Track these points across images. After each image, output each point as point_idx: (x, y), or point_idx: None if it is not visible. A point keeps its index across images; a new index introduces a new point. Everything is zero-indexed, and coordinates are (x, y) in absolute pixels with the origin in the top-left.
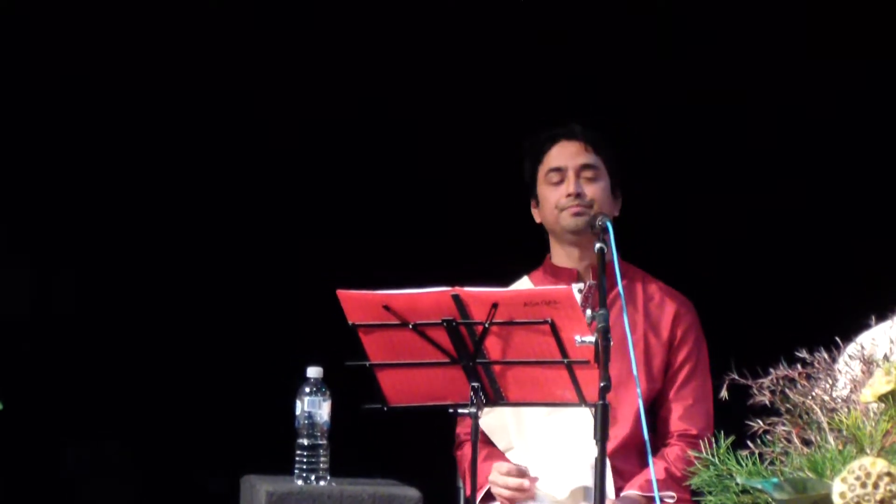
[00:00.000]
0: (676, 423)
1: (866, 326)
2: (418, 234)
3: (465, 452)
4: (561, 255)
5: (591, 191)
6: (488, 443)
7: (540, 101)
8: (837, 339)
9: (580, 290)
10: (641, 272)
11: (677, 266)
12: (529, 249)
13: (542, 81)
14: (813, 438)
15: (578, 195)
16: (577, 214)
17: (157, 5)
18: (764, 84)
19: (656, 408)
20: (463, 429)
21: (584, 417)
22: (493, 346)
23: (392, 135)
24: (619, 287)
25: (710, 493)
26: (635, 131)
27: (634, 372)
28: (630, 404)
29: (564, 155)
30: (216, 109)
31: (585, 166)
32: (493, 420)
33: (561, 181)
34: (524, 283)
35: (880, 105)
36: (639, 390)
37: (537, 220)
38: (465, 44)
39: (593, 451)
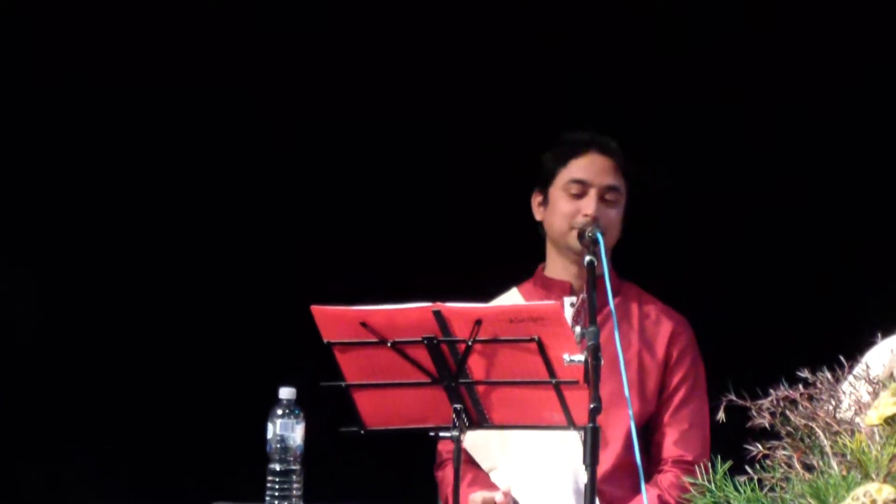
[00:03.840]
0: (671, 448)
1: (872, 344)
2: (401, 247)
3: (447, 473)
4: (557, 265)
5: (608, 216)
6: (473, 465)
7: (540, 102)
8: (841, 357)
9: (573, 304)
10: (637, 288)
11: (674, 277)
12: (520, 260)
13: (542, 82)
14: (815, 463)
15: (595, 220)
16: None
17: (157, 5)
18: (764, 84)
19: (650, 432)
20: (445, 446)
21: (572, 437)
22: (476, 366)
23: (380, 141)
24: (610, 303)
25: None
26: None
27: (626, 393)
28: (621, 426)
29: (593, 169)
30: (216, 109)
31: (610, 188)
32: (477, 438)
33: (580, 195)
34: (513, 296)
35: (880, 105)
36: (630, 412)
37: (538, 217)
38: (465, 44)
39: (581, 473)
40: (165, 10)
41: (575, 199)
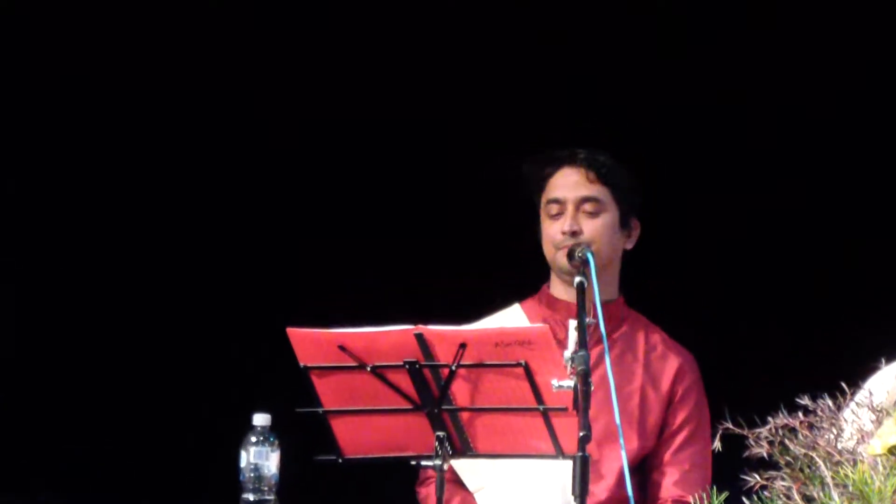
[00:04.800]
0: (670, 488)
1: (875, 370)
2: (387, 261)
3: (431, 492)
4: (559, 288)
5: (591, 227)
6: (459, 485)
7: (540, 102)
8: (843, 384)
9: (576, 328)
10: (644, 319)
11: (673, 277)
12: (525, 274)
13: (542, 82)
14: (816, 495)
15: (574, 233)
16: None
17: (157, 5)
18: (764, 84)
19: (648, 469)
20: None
21: (563, 464)
22: (460, 391)
23: (377, 144)
24: (601, 328)
25: None
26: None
27: (618, 422)
28: (616, 460)
29: (565, 185)
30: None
31: (586, 199)
32: (461, 463)
33: (559, 214)
34: (515, 313)
35: (880, 105)
36: (622, 444)
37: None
38: (465, 44)
39: (572, 501)
40: (165, 10)
41: (555, 220)
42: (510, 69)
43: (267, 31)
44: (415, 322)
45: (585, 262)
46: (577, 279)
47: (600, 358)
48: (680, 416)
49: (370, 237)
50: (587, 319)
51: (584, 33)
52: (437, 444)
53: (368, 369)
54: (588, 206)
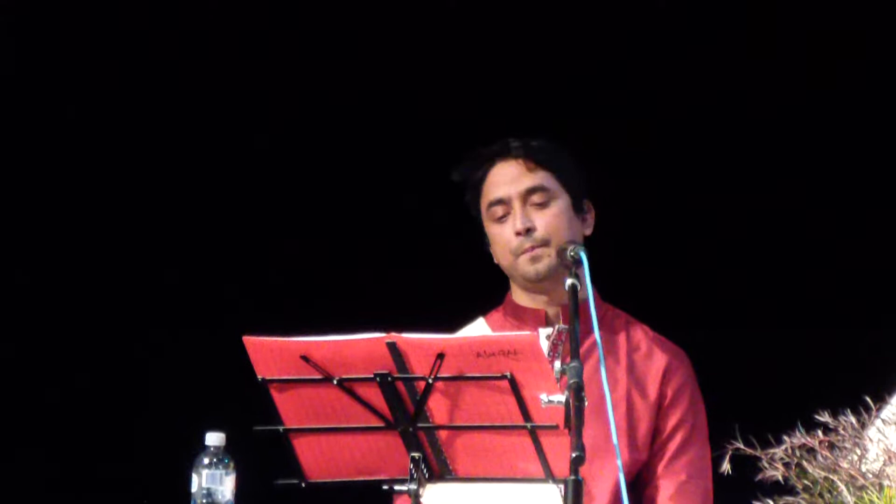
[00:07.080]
0: (666, 503)
1: None
2: (348, 268)
3: None
4: (523, 297)
5: (544, 221)
6: None
7: (540, 102)
8: (867, 398)
9: (548, 337)
10: (625, 315)
11: (673, 278)
12: (486, 284)
13: (543, 82)
14: None
15: (528, 231)
16: (535, 259)
17: (156, 5)
18: (764, 84)
19: (641, 483)
20: (403, 502)
21: (550, 490)
22: (437, 407)
23: (357, 147)
24: (596, 333)
25: None
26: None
27: (615, 439)
28: (608, 478)
29: (504, 180)
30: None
31: (531, 190)
32: (438, 490)
33: (506, 215)
34: (479, 327)
35: (880, 105)
36: (619, 462)
37: (495, 260)
38: (465, 44)
39: None
40: (165, 10)
41: (503, 223)
42: (509, 69)
43: (267, 30)
44: (387, 329)
45: (578, 262)
46: (570, 281)
47: (584, 362)
48: (672, 421)
49: (335, 239)
50: (559, 326)
51: (583, 33)
52: (411, 466)
53: (335, 382)
54: (535, 198)
